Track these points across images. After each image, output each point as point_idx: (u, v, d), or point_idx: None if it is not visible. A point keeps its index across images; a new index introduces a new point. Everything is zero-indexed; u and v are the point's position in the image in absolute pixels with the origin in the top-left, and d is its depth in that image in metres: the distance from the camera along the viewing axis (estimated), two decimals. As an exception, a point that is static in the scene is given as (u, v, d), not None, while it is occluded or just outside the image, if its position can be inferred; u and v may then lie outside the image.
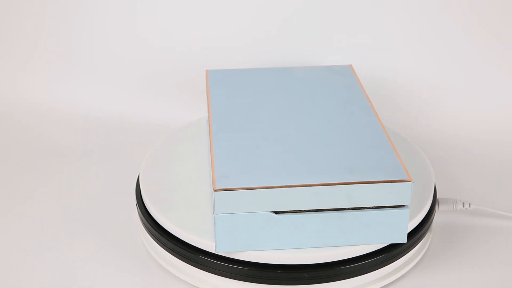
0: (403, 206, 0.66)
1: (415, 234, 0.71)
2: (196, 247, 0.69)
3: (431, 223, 0.75)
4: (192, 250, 0.69)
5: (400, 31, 0.99)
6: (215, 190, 0.63)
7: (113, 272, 0.73)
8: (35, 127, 1.02)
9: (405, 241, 0.68)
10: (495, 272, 0.74)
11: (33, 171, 0.92)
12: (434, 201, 0.76)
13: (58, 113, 1.04)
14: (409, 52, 0.99)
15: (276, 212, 0.65)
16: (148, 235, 0.74)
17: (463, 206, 0.80)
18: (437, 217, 0.80)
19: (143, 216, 0.74)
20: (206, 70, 0.86)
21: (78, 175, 0.91)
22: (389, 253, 0.69)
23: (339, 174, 0.65)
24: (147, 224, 0.73)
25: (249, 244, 0.66)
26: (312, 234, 0.66)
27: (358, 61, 0.98)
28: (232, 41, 1.01)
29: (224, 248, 0.66)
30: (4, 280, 0.73)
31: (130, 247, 0.77)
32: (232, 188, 0.63)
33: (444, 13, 0.97)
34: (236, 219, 0.65)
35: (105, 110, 1.04)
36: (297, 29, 0.99)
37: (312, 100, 0.80)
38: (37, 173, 0.92)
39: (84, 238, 0.79)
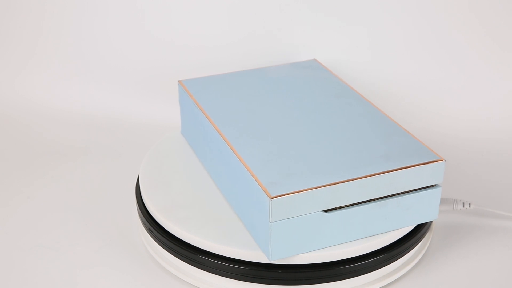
0: (435, 185, 0.68)
1: (415, 234, 0.71)
2: (196, 247, 0.69)
3: (431, 223, 0.75)
4: (192, 250, 0.69)
5: (399, 32, 0.99)
6: (272, 198, 0.61)
7: (113, 272, 0.73)
8: (35, 127, 1.02)
9: (436, 217, 0.70)
10: (494, 272, 0.74)
11: (33, 171, 0.92)
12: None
13: (57, 113, 1.04)
14: (408, 53, 0.99)
15: (326, 211, 0.65)
16: (148, 235, 0.74)
17: (463, 206, 0.80)
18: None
19: (143, 216, 0.74)
20: (179, 81, 0.83)
21: (78, 175, 0.91)
22: (389, 253, 0.69)
23: (378, 163, 0.66)
24: (147, 224, 0.73)
25: (300, 247, 0.65)
26: (359, 226, 0.67)
27: (357, 61, 0.98)
28: (232, 40, 1.01)
29: (279, 255, 0.64)
30: (4, 280, 0.73)
31: (130, 247, 0.77)
32: (287, 193, 0.62)
33: (442, 14, 0.97)
34: (290, 224, 0.63)
35: (105, 110, 1.04)
36: (295, 27, 0.99)
37: (304, 96, 0.80)
38: (37, 173, 0.92)
39: (84, 238, 0.79)
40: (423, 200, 0.68)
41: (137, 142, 0.98)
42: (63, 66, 1.06)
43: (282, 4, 0.98)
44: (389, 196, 0.67)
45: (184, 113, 0.83)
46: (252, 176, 0.65)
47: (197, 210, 0.72)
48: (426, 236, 0.75)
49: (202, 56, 1.02)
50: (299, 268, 0.67)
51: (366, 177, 0.65)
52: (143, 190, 0.76)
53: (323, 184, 0.63)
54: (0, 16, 1.05)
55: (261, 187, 0.63)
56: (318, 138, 0.71)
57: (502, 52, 0.99)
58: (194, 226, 0.70)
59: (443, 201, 0.79)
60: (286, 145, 0.70)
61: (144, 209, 0.75)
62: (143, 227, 0.76)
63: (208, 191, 0.75)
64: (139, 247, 0.77)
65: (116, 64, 1.04)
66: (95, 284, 0.72)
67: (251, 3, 0.99)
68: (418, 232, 0.71)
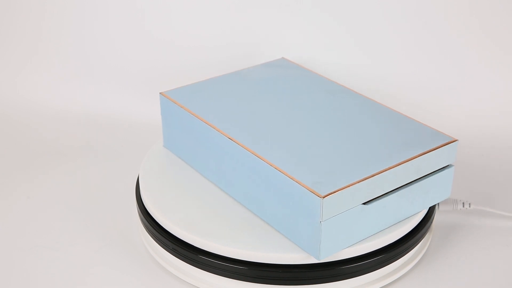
0: (448, 165, 0.72)
1: (415, 234, 0.71)
2: (196, 247, 0.69)
3: (431, 223, 0.75)
4: (192, 250, 0.69)
5: (397, 33, 0.99)
6: (323, 197, 0.61)
7: (113, 272, 0.73)
8: (35, 127, 1.02)
9: (449, 195, 0.74)
10: (494, 272, 0.74)
11: (33, 170, 0.92)
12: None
13: (58, 112, 1.04)
14: (406, 55, 0.99)
15: (365, 203, 0.66)
16: (148, 235, 0.74)
17: (463, 206, 0.80)
18: (437, 217, 0.80)
19: (143, 216, 0.74)
20: (161, 93, 0.80)
21: (78, 175, 0.91)
22: (389, 253, 0.69)
23: (403, 151, 0.69)
24: (147, 224, 0.73)
25: (343, 242, 0.66)
26: (391, 213, 0.68)
27: (355, 63, 0.98)
28: (232, 41, 1.01)
29: (326, 254, 0.65)
30: (4, 280, 0.73)
31: (130, 247, 0.77)
32: (336, 191, 0.62)
33: (440, 15, 0.97)
34: (336, 221, 0.64)
35: (105, 110, 1.04)
36: (293, 30, 0.99)
37: (297, 94, 0.80)
38: (37, 172, 0.92)
39: (84, 238, 0.79)
40: (440, 181, 0.72)
41: (137, 142, 0.98)
42: (63, 66, 1.06)
43: (282, 4, 0.99)
44: (414, 181, 0.69)
45: (170, 125, 0.80)
46: (292, 179, 0.64)
47: (197, 210, 0.72)
48: (426, 236, 0.75)
49: (202, 56, 1.02)
50: (299, 268, 0.67)
51: (397, 165, 0.67)
52: (143, 190, 0.76)
53: (364, 177, 0.65)
54: (0, 16, 1.05)
55: (306, 188, 0.63)
56: (333, 134, 0.72)
57: (502, 52, 0.99)
58: (194, 226, 0.70)
59: (443, 201, 0.79)
60: (308, 144, 0.70)
61: (144, 209, 0.75)
62: (143, 227, 0.76)
63: (208, 191, 0.75)
64: (139, 247, 0.77)
65: (116, 64, 1.05)
66: (94, 284, 0.72)
67: (251, 4, 0.99)
68: (418, 232, 0.71)
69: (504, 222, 0.81)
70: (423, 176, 0.70)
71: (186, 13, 1.01)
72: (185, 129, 0.78)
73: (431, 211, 0.75)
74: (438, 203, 0.78)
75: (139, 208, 0.75)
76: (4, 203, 0.85)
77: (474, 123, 0.99)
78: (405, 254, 0.71)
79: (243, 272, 0.67)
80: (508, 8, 0.96)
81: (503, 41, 0.98)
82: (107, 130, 1.01)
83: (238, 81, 0.84)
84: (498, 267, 0.74)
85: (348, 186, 0.63)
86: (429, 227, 0.74)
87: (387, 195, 0.67)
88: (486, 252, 0.76)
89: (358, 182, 0.64)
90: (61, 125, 1.03)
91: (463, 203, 0.80)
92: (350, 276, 0.68)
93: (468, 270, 0.74)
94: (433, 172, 0.71)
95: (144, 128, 1.01)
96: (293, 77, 0.85)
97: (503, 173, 0.91)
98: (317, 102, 0.79)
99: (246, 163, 0.69)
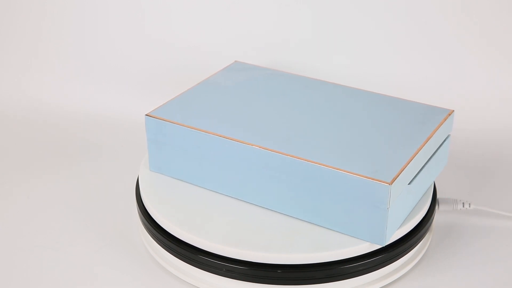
0: (448, 135, 0.77)
1: (415, 234, 0.71)
2: (196, 247, 0.69)
3: (431, 223, 0.75)
4: (192, 250, 0.69)
5: (394, 34, 0.99)
6: (391, 184, 0.64)
7: (113, 272, 0.73)
8: (35, 127, 1.02)
9: (447, 163, 0.80)
10: (495, 272, 0.74)
11: (33, 170, 0.92)
12: (434, 201, 0.76)
13: (57, 112, 1.04)
14: (405, 55, 0.99)
15: (409, 183, 0.69)
16: (148, 235, 0.74)
17: (463, 206, 0.80)
18: (437, 217, 0.80)
19: (143, 216, 0.74)
20: (147, 114, 0.75)
21: (78, 174, 0.91)
22: (389, 253, 0.69)
23: (422, 130, 0.73)
24: (147, 224, 0.73)
25: (397, 224, 0.69)
26: (420, 190, 0.73)
27: (354, 64, 0.98)
28: (232, 41, 1.01)
29: (389, 238, 0.67)
30: (4, 280, 0.73)
31: (130, 247, 0.77)
32: (397, 175, 0.65)
33: (436, 16, 0.97)
34: (395, 206, 0.66)
35: (105, 110, 1.04)
36: (292, 35, 0.99)
37: (285, 93, 0.80)
38: (37, 172, 0.92)
39: (84, 238, 0.79)
40: (443, 151, 0.77)
41: (137, 142, 0.98)
42: (63, 66, 1.06)
43: (282, 4, 0.99)
44: (432, 155, 0.73)
45: (161, 147, 0.76)
46: (350, 173, 0.65)
47: (197, 210, 0.72)
48: (426, 236, 0.75)
49: (202, 57, 1.02)
50: (299, 268, 0.67)
51: (425, 143, 0.70)
52: (142, 190, 0.76)
53: (408, 159, 0.67)
54: (4, 16, 1.05)
55: (370, 179, 0.64)
56: (347, 126, 0.74)
57: (502, 52, 0.99)
58: (194, 226, 0.70)
59: (443, 201, 0.79)
60: (332, 139, 0.71)
61: (144, 209, 0.75)
62: (143, 227, 0.76)
63: (208, 191, 0.75)
64: (139, 247, 0.77)
65: (116, 64, 1.05)
66: (94, 284, 0.72)
67: (251, 5, 0.99)
68: (418, 232, 0.71)
69: (504, 222, 0.81)
70: (436, 150, 0.74)
71: (186, 13, 1.01)
72: (187, 148, 0.74)
73: (431, 211, 0.75)
74: (438, 203, 0.79)
75: (139, 208, 0.75)
76: (4, 203, 0.85)
77: (474, 123, 0.99)
78: (405, 254, 0.71)
79: (243, 272, 0.67)
80: (506, 8, 0.96)
81: (503, 41, 0.98)
82: (107, 130, 1.01)
83: (216, 89, 0.81)
84: (498, 267, 0.74)
85: (403, 169, 0.66)
86: (429, 227, 0.74)
87: (419, 173, 0.70)
88: (486, 252, 0.76)
89: (407, 164, 0.67)
90: (61, 125, 1.03)
91: (463, 203, 0.80)
92: (350, 276, 0.68)
93: (468, 270, 0.74)
94: (441, 144, 0.75)
95: (144, 128, 1.01)
96: (266, 77, 0.85)
97: (503, 173, 0.91)
98: (308, 98, 0.79)
99: (287, 167, 0.68)
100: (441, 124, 0.74)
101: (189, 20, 1.01)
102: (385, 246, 0.68)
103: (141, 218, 0.75)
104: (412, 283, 0.72)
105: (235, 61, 0.90)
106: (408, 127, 0.73)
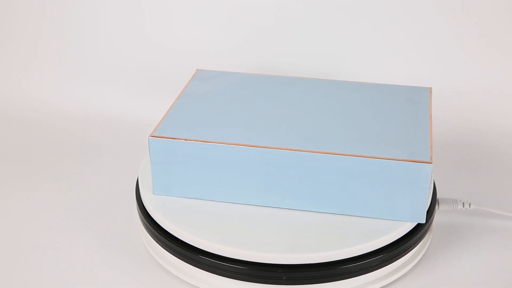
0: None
1: (415, 234, 0.71)
2: (196, 247, 0.69)
3: (431, 223, 0.75)
4: (192, 250, 0.69)
5: (392, 34, 0.99)
6: (431, 162, 0.67)
7: (113, 272, 0.73)
8: (35, 127, 1.02)
9: None
10: (495, 272, 0.73)
11: (33, 170, 0.92)
12: (434, 201, 0.76)
13: (57, 112, 1.04)
14: (403, 54, 0.99)
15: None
16: (148, 235, 0.74)
17: (463, 206, 0.80)
18: (437, 217, 0.80)
19: (143, 216, 0.74)
20: (152, 136, 0.71)
21: (78, 174, 0.91)
22: (389, 253, 0.69)
23: (414, 108, 0.77)
24: (147, 224, 0.73)
25: (429, 199, 0.72)
26: None
27: (352, 65, 0.98)
28: (232, 42, 1.01)
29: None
30: (4, 280, 0.73)
31: (130, 247, 0.77)
32: (431, 154, 0.68)
33: (435, 16, 0.97)
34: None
35: (105, 110, 1.04)
36: (287, 34, 0.99)
37: (273, 95, 0.80)
38: (37, 172, 0.92)
39: (84, 238, 0.79)
40: None
41: (137, 142, 0.98)
42: (63, 66, 1.06)
43: (281, 5, 0.99)
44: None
45: (169, 168, 0.72)
46: (389, 159, 0.67)
47: (197, 210, 0.72)
48: (426, 236, 0.75)
49: (202, 57, 1.02)
50: (299, 268, 0.67)
51: (430, 116, 0.75)
52: (142, 191, 0.76)
53: (428, 137, 0.71)
54: (5, 16, 1.05)
55: (413, 161, 0.67)
56: (349, 117, 0.75)
57: (502, 53, 0.99)
58: (194, 226, 0.70)
59: (443, 201, 0.79)
60: (346, 131, 0.72)
61: (144, 209, 0.75)
62: (143, 227, 0.75)
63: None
64: (139, 247, 0.77)
65: (116, 64, 1.05)
66: (95, 284, 0.72)
67: (251, 6, 0.99)
68: (418, 232, 0.71)
69: (504, 222, 0.81)
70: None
71: (186, 14, 1.01)
72: (203, 163, 0.71)
73: (431, 211, 0.75)
74: (438, 203, 0.78)
75: (139, 208, 0.75)
76: (4, 203, 0.85)
77: (473, 123, 0.99)
78: (405, 254, 0.71)
79: (243, 272, 0.67)
80: (506, 8, 0.96)
81: (503, 40, 0.98)
82: (107, 130, 1.01)
83: (200, 100, 0.78)
84: (498, 267, 0.74)
85: (431, 147, 0.69)
86: (429, 227, 0.74)
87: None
88: (486, 252, 0.76)
89: (431, 142, 0.70)
90: (61, 125, 1.03)
91: (463, 203, 0.80)
92: (350, 276, 0.68)
93: (468, 270, 0.74)
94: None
95: (144, 128, 1.01)
96: (243, 80, 0.83)
97: (503, 173, 0.91)
98: (296, 95, 0.79)
99: (319, 165, 0.68)
100: (431, 101, 0.78)
101: (189, 20, 1.01)
102: (385, 246, 0.69)
103: (141, 218, 0.75)
104: (412, 283, 0.72)
105: (197, 70, 0.86)
106: (406, 108, 0.76)
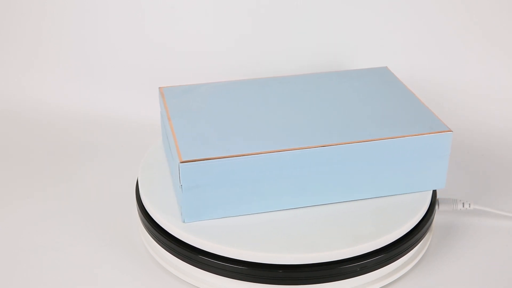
0: None
1: (415, 234, 0.71)
2: (196, 247, 0.69)
3: (431, 223, 0.75)
4: (192, 250, 0.69)
5: (392, 31, 0.99)
6: (451, 131, 0.72)
7: (113, 272, 0.73)
8: (35, 127, 1.02)
9: None
10: (494, 272, 0.74)
11: (32, 170, 0.92)
12: (434, 201, 0.76)
13: (57, 112, 1.04)
14: (402, 53, 0.99)
15: None
16: (148, 235, 0.74)
17: (463, 206, 0.80)
18: (437, 217, 0.80)
19: (143, 216, 0.74)
20: (183, 161, 0.66)
21: (78, 174, 0.91)
22: (389, 253, 0.69)
23: (399, 91, 0.80)
24: (147, 224, 0.73)
25: None
26: None
27: (351, 63, 0.98)
28: (233, 42, 1.01)
29: None
30: (4, 280, 0.73)
31: (130, 247, 0.77)
32: (443, 121, 0.74)
33: (437, 12, 0.97)
34: None
35: (105, 110, 1.04)
36: (289, 30, 0.99)
37: (261, 99, 0.79)
38: (37, 172, 0.92)
39: (84, 238, 0.79)
40: None
41: (137, 142, 0.98)
42: (64, 66, 1.06)
43: (281, 5, 0.99)
44: None
45: (203, 191, 0.68)
46: (414, 136, 0.71)
47: (197, 210, 0.72)
48: (426, 236, 0.75)
49: (202, 57, 1.02)
50: (299, 268, 0.67)
51: (418, 97, 0.79)
52: (142, 191, 0.76)
53: (425, 108, 0.76)
54: (6, 16, 1.05)
55: (435, 133, 0.71)
56: (343, 106, 0.77)
57: (502, 53, 0.99)
58: (194, 226, 0.70)
59: (443, 201, 0.79)
60: (353, 119, 0.74)
61: (143, 209, 0.75)
62: (143, 227, 0.76)
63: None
64: (139, 247, 0.77)
65: (116, 64, 1.05)
66: (94, 284, 0.72)
67: (251, 6, 0.99)
68: (418, 232, 0.71)
69: (504, 222, 0.81)
70: None
71: (187, 14, 1.01)
72: (239, 179, 0.68)
73: (431, 211, 0.75)
74: (438, 203, 0.78)
75: (139, 208, 0.75)
76: (4, 202, 0.85)
77: (474, 123, 0.99)
78: (405, 254, 0.71)
79: (243, 272, 0.67)
80: (507, 8, 0.96)
81: (505, 39, 0.98)
82: (107, 130, 1.01)
83: (195, 116, 0.75)
84: (498, 267, 0.74)
85: (438, 117, 0.75)
86: (429, 227, 0.74)
87: None
88: (486, 252, 0.76)
89: (433, 112, 0.75)
90: (61, 125, 1.03)
91: (463, 203, 0.80)
92: (350, 276, 0.68)
93: (468, 270, 0.74)
94: None
95: (144, 128, 1.01)
96: (221, 90, 0.81)
97: (503, 173, 0.91)
98: (287, 94, 0.80)
99: (351, 156, 0.70)
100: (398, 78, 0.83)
101: (190, 21, 1.01)
102: (385, 246, 0.69)
103: (141, 218, 0.75)
104: (412, 283, 0.72)
105: (160, 87, 0.81)
106: (384, 89, 0.80)
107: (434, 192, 0.77)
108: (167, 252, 0.72)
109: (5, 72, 1.08)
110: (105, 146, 0.98)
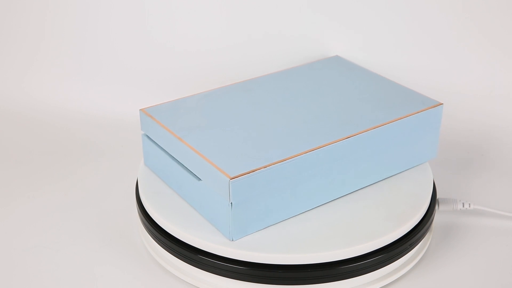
0: None
1: (415, 234, 0.71)
2: (196, 247, 0.69)
3: (431, 223, 0.75)
4: (192, 250, 0.69)
5: (392, 30, 0.99)
6: (442, 104, 0.77)
7: (113, 272, 0.74)
8: (35, 127, 1.02)
9: None
10: (494, 272, 0.74)
11: (33, 170, 0.92)
12: (434, 201, 0.76)
13: (58, 112, 1.04)
14: (402, 52, 0.99)
15: None
16: (148, 235, 0.74)
17: (463, 206, 0.80)
18: (437, 217, 0.80)
19: (143, 216, 0.74)
20: (233, 178, 0.64)
21: (78, 174, 0.91)
22: (389, 253, 0.69)
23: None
24: (147, 224, 0.73)
25: None
26: None
27: (354, 61, 0.98)
28: (233, 44, 1.01)
29: None
30: (4, 280, 0.73)
31: (130, 247, 0.77)
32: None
33: (437, 12, 0.97)
34: None
35: (105, 110, 1.04)
36: (288, 27, 0.99)
37: (259, 103, 0.79)
38: (37, 172, 0.92)
39: (84, 238, 0.79)
40: None
41: (137, 142, 0.98)
42: (64, 66, 1.06)
43: (281, 4, 0.99)
44: None
45: (250, 204, 0.67)
46: (416, 113, 0.76)
47: (197, 210, 0.72)
48: (426, 236, 0.75)
49: (202, 58, 1.02)
50: (299, 268, 0.67)
51: (403, 86, 0.84)
52: (142, 191, 0.76)
53: (409, 88, 0.82)
54: (8, 16, 1.05)
55: (429, 109, 0.77)
56: (336, 98, 0.80)
57: (502, 53, 0.99)
58: (194, 226, 0.70)
59: (443, 201, 0.79)
60: (350, 110, 0.77)
61: (143, 209, 0.75)
62: (143, 227, 0.76)
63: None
64: (139, 247, 0.77)
65: (117, 64, 1.05)
66: (95, 284, 0.72)
67: (251, 7, 0.99)
68: (418, 232, 0.71)
69: (504, 222, 0.81)
70: None
71: (187, 14, 1.01)
72: (278, 185, 0.68)
73: (431, 211, 0.75)
74: (438, 203, 0.78)
75: (139, 208, 0.75)
76: (4, 202, 0.85)
77: (474, 123, 0.99)
78: (405, 254, 0.71)
79: (243, 272, 0.67)
80: (505, 7, 0.96)
81: (503, 38, 0.98)
82: (107, 130, 1.01)
83: (199, 131, 0.73)
84: (498, 267, 0.74)
85: (422, 93, 0.81)
86: (429, 227, 0.74)
87: None
88: (486, 252, 0.76)
89: (416, 92, 0.81)
90: (61, 125, 1.03)
91: (463, 203, 0.80)
92: (350, 276, 0.68)
93: (468, 270, 0.74)
94: None
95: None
96: (211, 99, 0.80)
97: (503, 174, 0.91)
98: (273, 93, 0.81)
99: (368, 143, 0.73)
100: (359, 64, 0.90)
101: (190, 21, 1.01)
102: (385, 246, 0.69)
103: (141, 218, 0.75)
104: (412, 283, 0.72)
105: (141, 109, 0.79)
106: (357, 77, 0.85)
107: (434, 192, 0.77)
108: (167, 252, 0.72)
109: (5, 72, 1.08)
110: (105, 146, 0.98)
